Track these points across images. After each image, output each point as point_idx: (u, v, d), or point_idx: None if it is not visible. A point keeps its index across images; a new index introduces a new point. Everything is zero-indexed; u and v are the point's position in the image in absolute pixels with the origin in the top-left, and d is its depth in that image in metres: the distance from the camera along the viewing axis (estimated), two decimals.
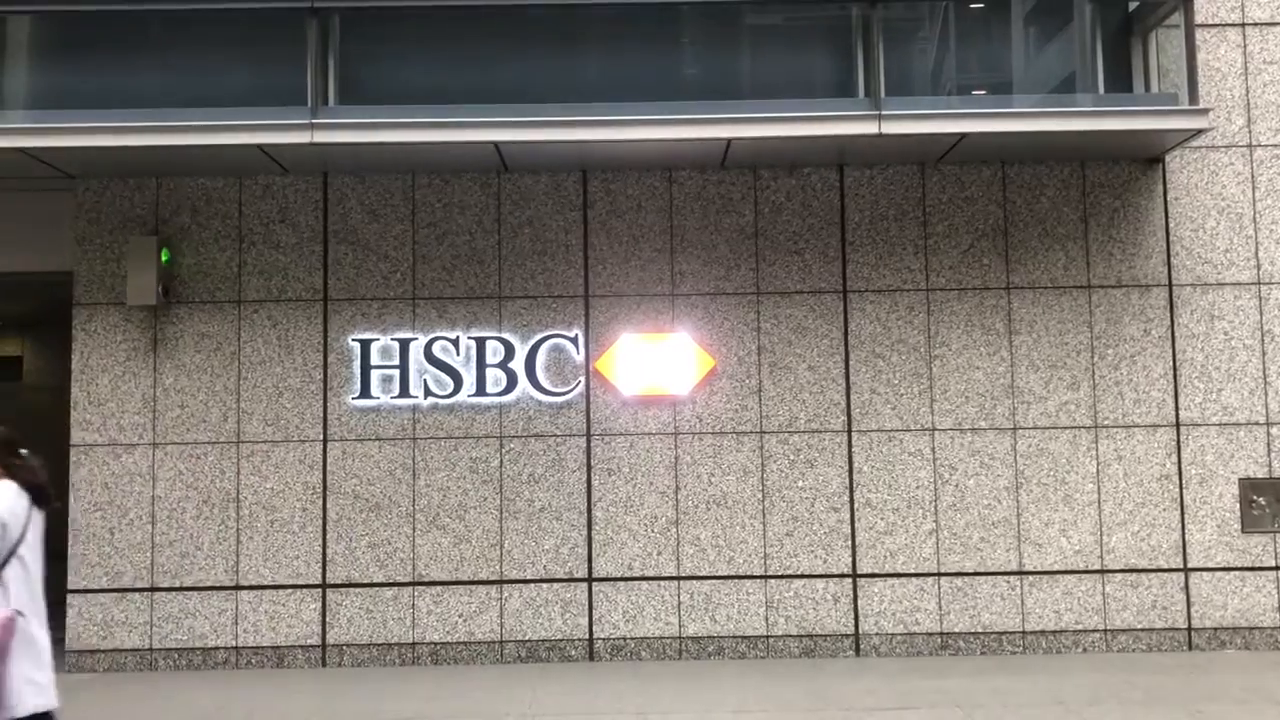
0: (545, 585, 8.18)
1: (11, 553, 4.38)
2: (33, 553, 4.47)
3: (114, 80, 7.86)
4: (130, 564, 8.15)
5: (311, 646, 8.12)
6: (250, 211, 8.39)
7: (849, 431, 8.26)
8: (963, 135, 7.65)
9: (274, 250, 8.36)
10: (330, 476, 8.23)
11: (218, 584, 8.15)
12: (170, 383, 8.26)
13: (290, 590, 8.14)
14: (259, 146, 7.59)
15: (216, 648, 8.11)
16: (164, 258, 8.20)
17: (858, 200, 8.43)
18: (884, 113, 7.57)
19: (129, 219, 8.30)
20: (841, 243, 8.40)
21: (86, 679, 7.95)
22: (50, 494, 4.71)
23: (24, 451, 4.70)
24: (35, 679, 4.29)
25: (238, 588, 8.14)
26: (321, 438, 8.24)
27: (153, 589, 8.13)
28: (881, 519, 8.22)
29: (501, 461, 8.26)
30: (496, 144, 7.65)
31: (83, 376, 8.30)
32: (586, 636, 8.16)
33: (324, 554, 8.17)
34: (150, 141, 7.43)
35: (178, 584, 8.14)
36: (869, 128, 7.55)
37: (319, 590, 8.15)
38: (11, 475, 4.56)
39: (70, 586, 8.14)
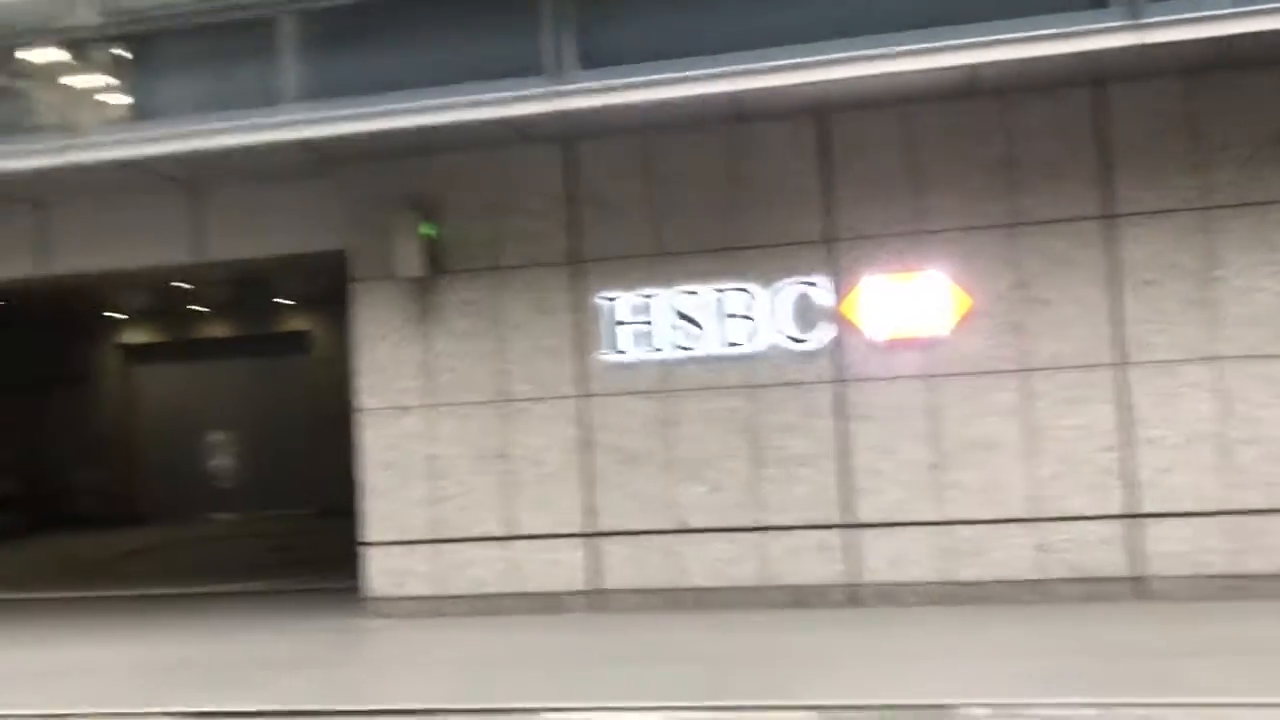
0: (803, 531, 8.20)
1: None
2: None
3: (372, 69, 8.31)
4: (415, 518, 8.78)
5: (582, 593, 8.51)
6: (502, 181, 8.76)
7: (1121, 365, 7.79)
8: (1234, 37, 6.96)
9: (525, 217, 8.70)
10: (589, 431, 8.54)
11: (493, 535, 8.65)
12: (441, 348, 8.80)
13: (560, 539, 8.54)
14: (507, 118, 7.87)
15: (497, 594, 8.63)
16: (426, 231, 8.70)
17: (1117, 118, 7.86)
18: (1144, 21, 6.98)
19: (393, 197, 8.83)
20: (1103, 165, 7.87)
21: (384, 624, 8.66)
22: None
23: None
24: None
25: (512, 538, 8.62)
26: (579, 394, 8.56)
27: (436, 540, 8.73)
28: (1161, 456, 7.71)
29: (752, 411, 8.31)
30: (736, 94, 7.62)
31: (363, 346, 8.96)
32: (849, 581, 8.13)
33: (589, 504, 8.51)
34: (409, 123, 7.84)
35: (458, 535, 8.70)
36: (1129, 39, 7.00)
37: (587, 539, 8.51)
38: None
39: (364, 539, 8.87)
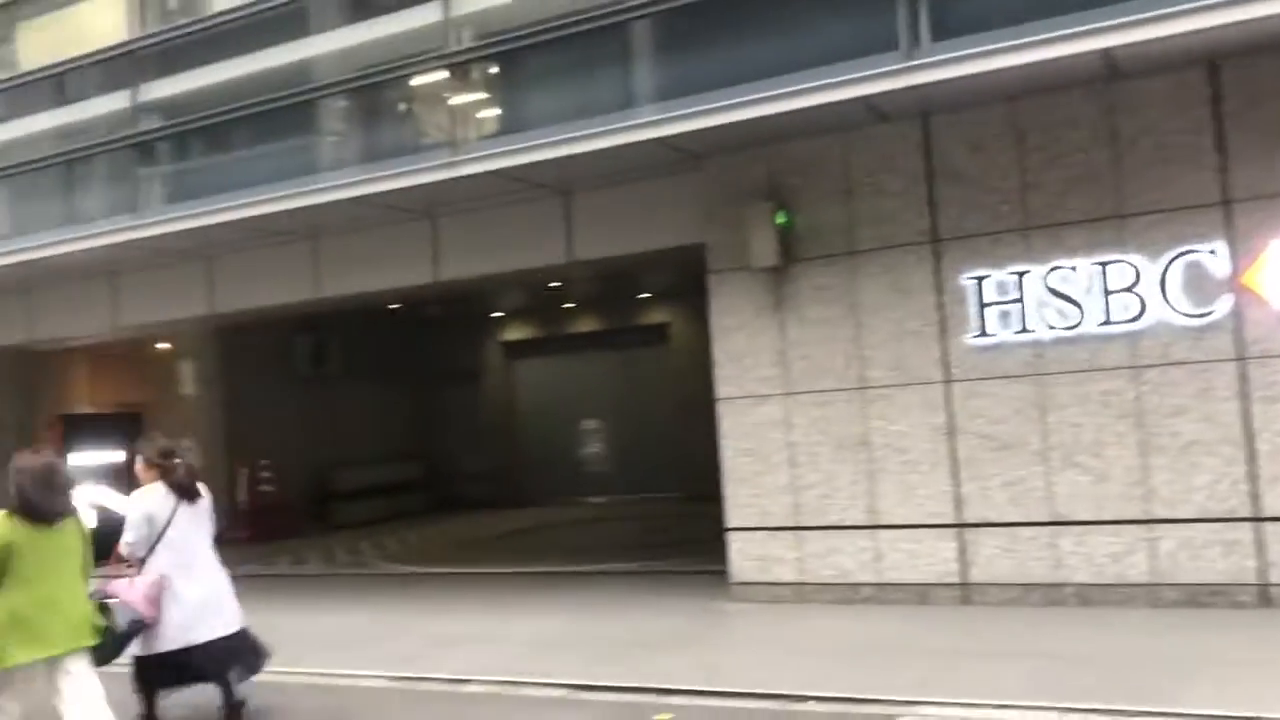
0: (1201, 525, 7.44)
1: (159, 539, 6.23)
2: (182, 535, 6.29)
3: (723, 62, 8.45)
4: (776, 504, 8.84)
5: (951, 585, 8.20)
6: (854, 163, 8.61)
7: None
8: None
9: (880, 198, 8.50)
10: (955, 417, 8.21)
11: (856, 523, 8.54)
12: (796, 336, 8.79)
13: (926, 529, 8.29)
14: (861, 98, 7.72)
15: (861, 584, 8.51)
16: (780, 220, 8.72)
17: None
18: None
19: (746, 188, 8.92)
20: None
21: (749, 609, 8.79)
22: (196, 490, 6.44)
23: (177, 460, 6.42)
24: (181, 623, 6.15)
25: (875, 527, 8.47)
26: (943, 379, 8.25)
27: (798, 528, 8.75)
28: None
29: (1137, 394, 7.64)
30: (1111, 50, 7.02)
31: (720, 337, 9.13)
32: (1258, 581, 7.28)
33: (956, 494, 8.19)
34: (763, 112, 7.88)
35: (820, 523, 8.67)
36: None
37: (955, 530, 8.20)
38: (163, 478, 6.34)
39: (728, 525, 9.05)
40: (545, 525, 17.47)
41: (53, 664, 5.24)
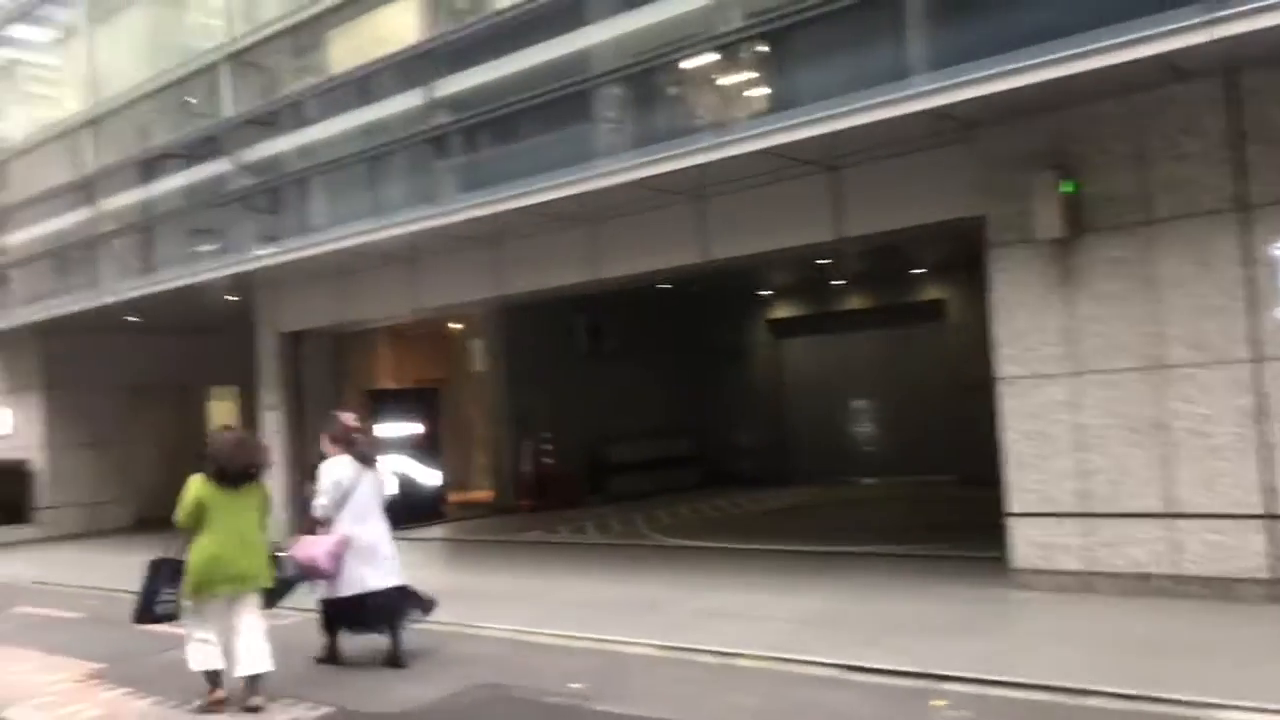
0: None
1: (345, 501, 7.47)
2: (364, 498, 7.54)
3: (1000, 26, 8.06)
4: (1061, 489, 8.41)
5: (1259, 581, 7.55)
6: (1148, 127, 8.02)
7: None
8: None
9: (1178, 164, 7.88)
10: (1265, 399, 7.53)
11: (1150, 511, 8.00)
12: (1084, 312, 8.31)
13: (1230, 520, 7.65)
14: (1162, 55, 7.14)
15: (1154, 575, 7.98)
16: (1065, 189, 8.25)
17: None
18: None
19: (1027, 157, 8.49)
20: None
21: (1030, 597, 8.43)
22: (375, 460, 7.69)
23: (358, 435, 7.72)
24: (366, 572, 7.41)
25: (1172, 515, 7.90)
26: (1250, 357, 7.58)
27: (1086, 514, 8.29)
28: None
29: None
30: None
31: (1001, 314, 8.77)
32: None
33: (1266, 482, 7.52)
34: (1050, 75, 7.42)
35: (1109, 511, 8.18)
36: None
37: (1264, 521, 7.53)
38: (349, 450, 7.62)
39: (1008, 510, 8.70)
40: (814, 504, 17.43)
41: (234, 599, 6.67)
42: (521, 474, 18.50)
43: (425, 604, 7.75)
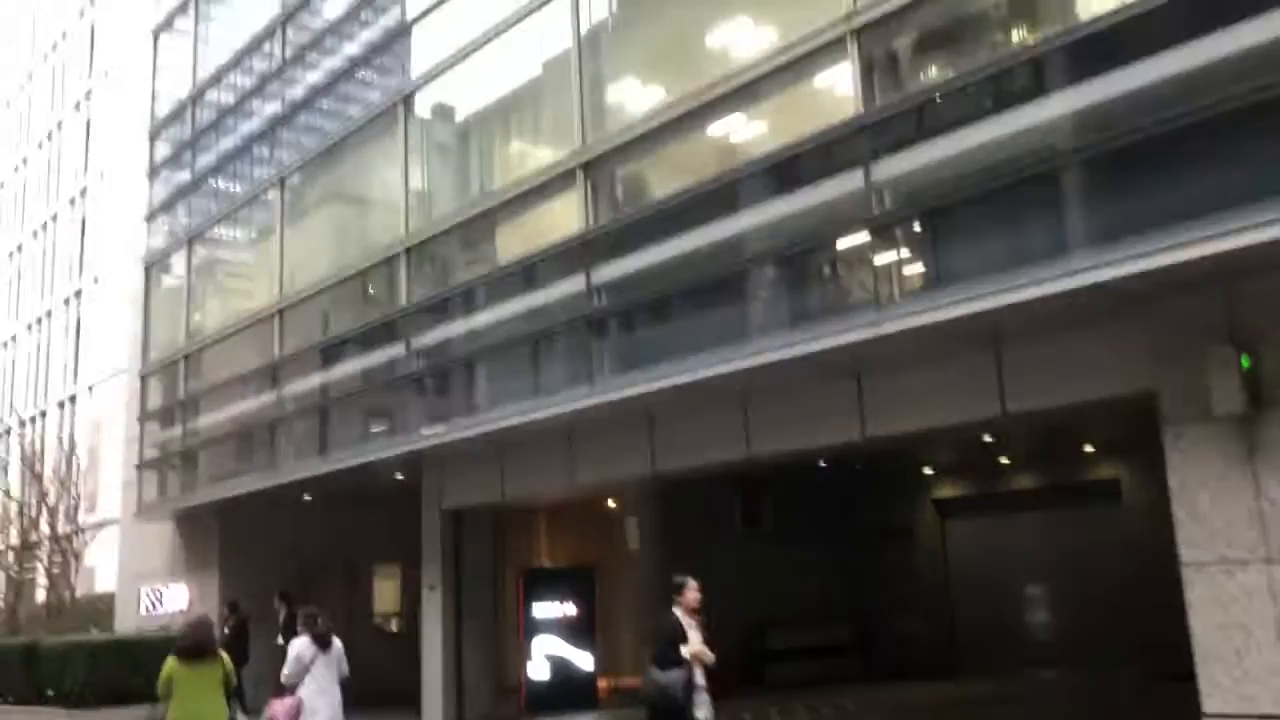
0: None
1: (305, 672, 9.46)
2: (319, 672, 9.52)
3: (1163, 199, 7.87)
4: (1265, 689, 7.66)
5: None
6: None
7: None
8: None
9: None
10: None
11: None
12: (1275, 494, 7.74)
13: None
14: None
15: None
16: (1244, 364, 7.84)
17: None
18: None
19: (1199, 329, 8.13)
20: None
21: None
22: (330, 642, 9.71)
23: (319, 621, 9.78)
24: None
25: None
26: None
27: None
28: None
29: None
30: None
31: (1181, 494, 8.25)
32: None
33: None
34: (1216, 249, 7.15)
35: None
36: None
37: None
38: (309, 631, 9.72)
39: (1205, 710, 7.95)
40: (986, 699, 16.35)
41: None
42: None
43: None
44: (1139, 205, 7.93)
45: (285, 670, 9.63)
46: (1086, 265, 7.88)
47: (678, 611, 8.65)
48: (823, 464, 17.10)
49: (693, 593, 8.89)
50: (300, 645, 9.68)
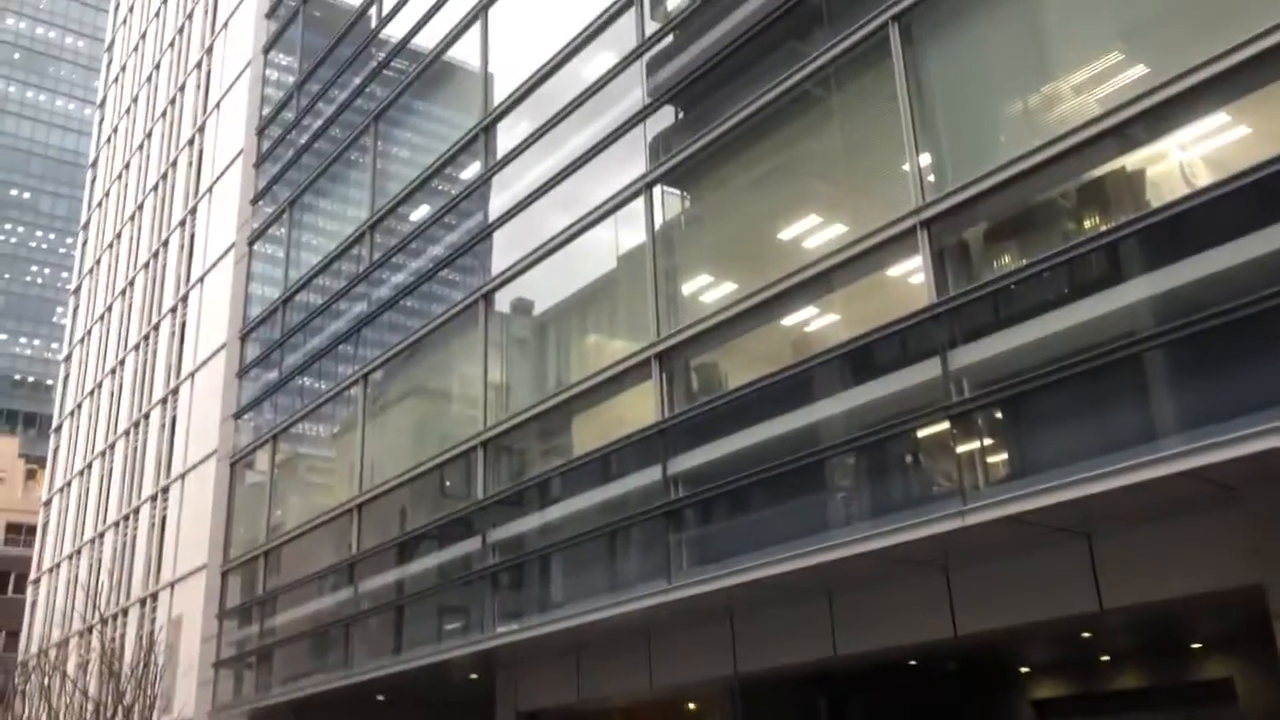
0: None
1: None
2: None
3: (1255, 380, 7.66)
4: None
5: None
6: None
7: None
8: None
9: None
10: None
11: None
12: None
13: None
14: None
15: None
16: None
17: None
18: None
19: None
20: None
21: None
22: None
23: None
24: None
25: None
26: None
27: None
28: None
29: None
30: None
31: None
32: None
33: None
34: None
35: None
36: None
37: None
38: None
39: None
40: None
41: None
42: None
43: None
44: (1231, 389, 7.72)
45: None
46: (1176, 451, 7.61)
47: None
48: (912, 663, 16.30)
49: None
50: None
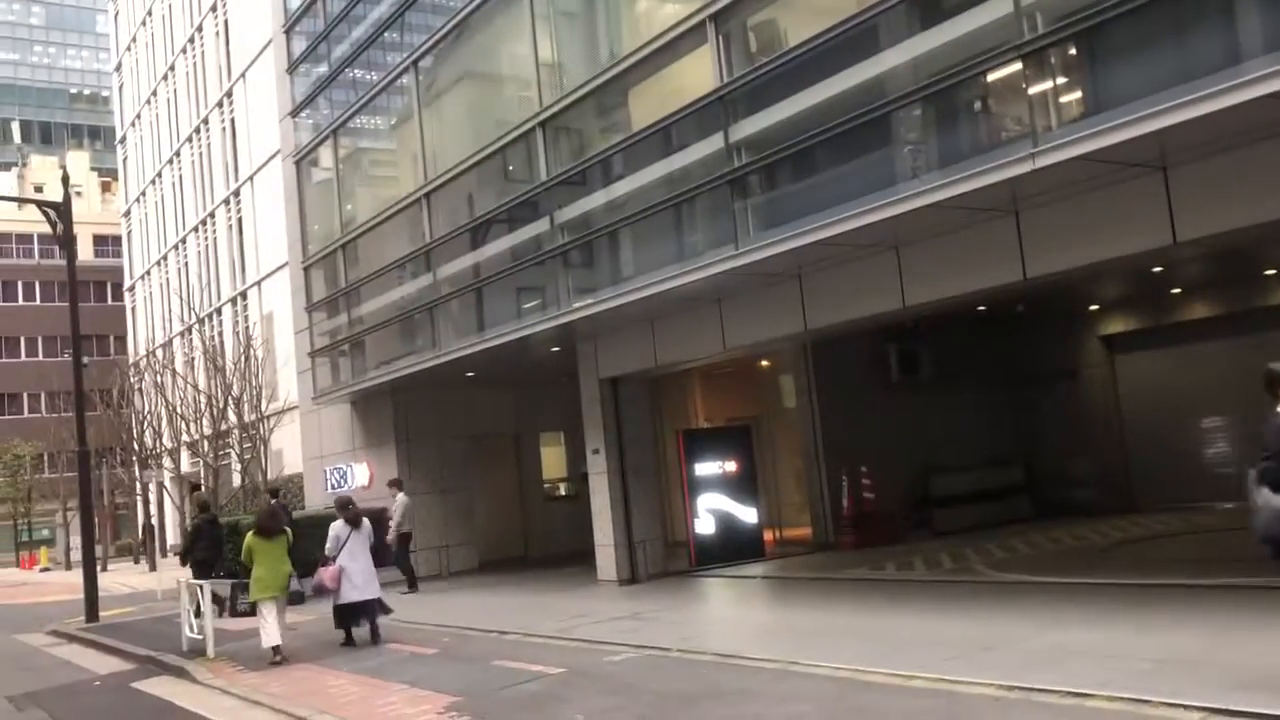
0: None
1: (342, 548, 12.34)
2: (352, 546, 12.40)
3: None
4: None
5: None
6: None
7: None
8: None
9: None
10: None
11: None
12: None
13: None
14: None
15: None
16: None
17: None
18: None
19: None
20: None
21: None
22: (359, 523, 12.58)
23: (350, 506, 12.72)
24: (350, 590, 12.28)
25: None
26: None
27: None
28: None
29: None
30: None
31: None
32: None
33: None
34: None
35: None
36: None
37: None
38: (342, 514, 12.61)
39: None
40: (1162, 534, 16.01)
41: (272, 600, 11.85)
42: (841, 510, 18.22)
43: (386, 609, 12.75)
44: None
45: (327, 546, 12.43)
46: (1260, 75, 7.26)
47: None
48: (981, 308, 16.62)
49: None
50: (337, 526, 12.49)
